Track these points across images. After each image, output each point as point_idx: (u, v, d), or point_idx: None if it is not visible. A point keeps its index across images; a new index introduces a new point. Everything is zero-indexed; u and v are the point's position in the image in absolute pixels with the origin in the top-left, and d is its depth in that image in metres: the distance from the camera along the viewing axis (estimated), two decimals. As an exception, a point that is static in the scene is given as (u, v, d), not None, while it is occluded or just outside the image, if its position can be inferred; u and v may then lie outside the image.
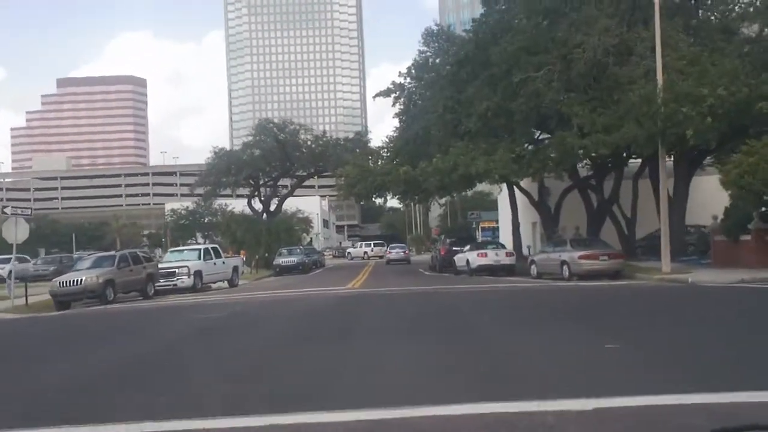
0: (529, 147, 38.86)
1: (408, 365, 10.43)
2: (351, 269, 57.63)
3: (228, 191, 73.15)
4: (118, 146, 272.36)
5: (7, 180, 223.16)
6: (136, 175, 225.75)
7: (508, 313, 18.57)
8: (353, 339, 13.83)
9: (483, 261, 38.82)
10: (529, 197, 47.38)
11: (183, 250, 42.84)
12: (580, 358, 10.50)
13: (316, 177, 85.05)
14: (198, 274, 37.45)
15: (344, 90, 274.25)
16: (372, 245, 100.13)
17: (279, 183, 74.37)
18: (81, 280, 31.40)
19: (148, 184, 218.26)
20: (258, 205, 71.62)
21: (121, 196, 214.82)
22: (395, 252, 71.20)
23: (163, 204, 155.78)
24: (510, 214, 52.48)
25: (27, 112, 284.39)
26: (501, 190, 52.37)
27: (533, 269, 35.09)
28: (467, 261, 39.65)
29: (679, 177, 37.18)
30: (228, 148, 79.91)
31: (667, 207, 31.13)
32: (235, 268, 41.84)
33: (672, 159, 36.40)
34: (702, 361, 9.94)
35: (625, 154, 39.75)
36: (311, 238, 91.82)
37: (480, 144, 36.99)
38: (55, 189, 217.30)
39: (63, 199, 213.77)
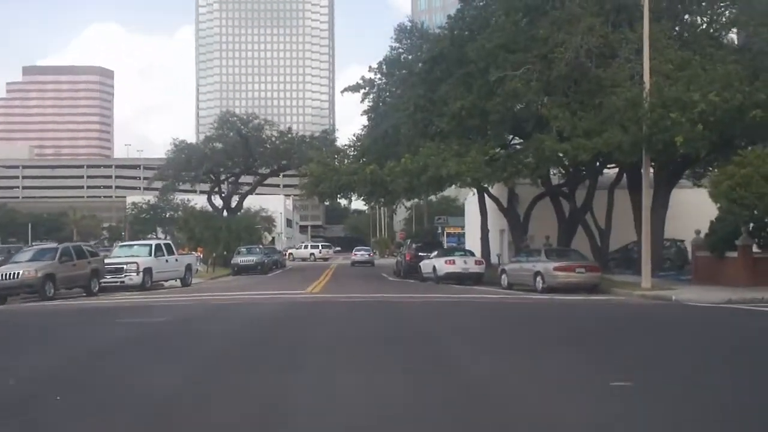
0: (503, 151, 36.85)
1: (366, 407, 8.20)
2: (312, 270, 55.55)
3: (188, 186, 70.53)
4: (83, 137, 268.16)
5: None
6: (98, 167, 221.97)
7: (486, 333, 16.26)
8: (302, 365, 11.36)
9: (450, 268, 36.76)
10: (498, 204, 45.55)
11: (133, 245, 40.30)
12: (584, 402, 8.33)
13: (280, 175, 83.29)
14: (148, 271, 35.06)
15: (313, 90, 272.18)
16: (320, 247, 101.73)
17: (240, 180, 71.80)
18: (18, 273, 29.09)
19: (110, 177, 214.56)
20: (219, 202, 68.98)
21: (82, 187, 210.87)
22: (360, 254, 75.45)
23: (125, 197, 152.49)
24: (477, 221, 50.83)
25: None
26: (473, 194, 49.97)
27: (504, 279, 33.08)
28: (434, 268, 37.58)
29: (659, 187, 35.46)
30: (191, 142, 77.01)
31: (649, 218, 29.25)
32: (189, 267, 39.43)
33: (653, 169, 34.60)
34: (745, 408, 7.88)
35: (598, 163, 38.07)
36: (273, 238, 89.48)
37: (452, 145, 34.94)
38: (16, 178, 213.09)
39: (24, 188, 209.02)
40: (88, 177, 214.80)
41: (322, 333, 15.98)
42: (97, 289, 32.05)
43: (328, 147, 60.67)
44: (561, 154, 32.31)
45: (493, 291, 30.75)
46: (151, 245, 38.11)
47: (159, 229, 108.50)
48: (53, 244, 36.10)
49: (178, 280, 38.43)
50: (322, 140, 65.69)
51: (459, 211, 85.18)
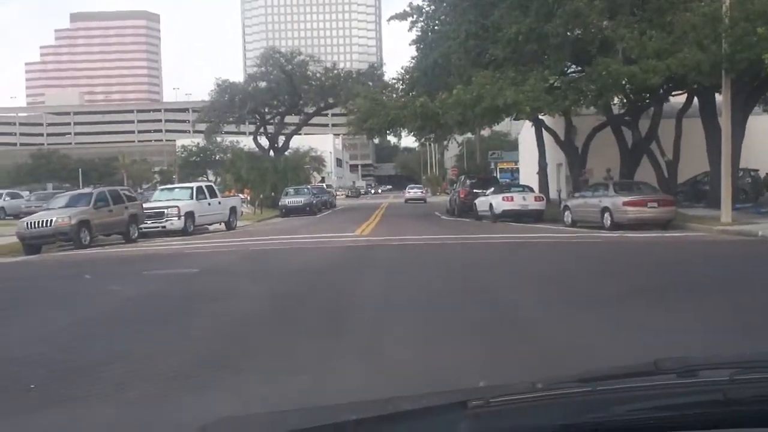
0: (563, 78, 34.07)
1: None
2: (363, 211, 53.54)
3: (232, 127, 68.55)
4: (132, 82, 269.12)
5: (20, 115, 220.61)
6: (148, 111, 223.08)
7: (563, 283, 13.60)
8: (347, 336, 8.90)
9: (509, 206, 34.40)
10: (555, 136, 42.92)
11: (174, 188, 38.52)
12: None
13: (329, 114, 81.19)
14: (189, 215, 33.27)
15: (359, 24, 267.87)
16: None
17: (286, 119, 69.54)
18: (51, 221, 27.33)
19: (160, 121, 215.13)
20: (265, 143, 66.98)
21: (133, 132, 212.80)
22: (413, 192, 79.00)
23: (174, 141, 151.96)
24: (532, 155, 48.45)
25: (41, 47, 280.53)
26: (531, 125, 46.98)
27: (567, 216, 30.71)
28: (490, 205, 35.24)
29: (734, 113, 32.59)
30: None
31: (730, 145, 26.63)
32: (233, 209, 37.56)
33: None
34: None
35: (663, 90, 35.20)
36: (323, 177, 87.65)
37: (508, 73, 32.42)
38: (68, 124, 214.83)
39: (76, 134, 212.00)
40: (139, 122, 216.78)
41: (371, 290, 13.32)
42: (136, 235, 30.40)
43: (375, 82, 58.25)
44: (627, 80, 29.55)
45: (556, 229, 28.42)
46: (192, 188, 36.22)
47: (209, 172, 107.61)
48: (88, 190, 34.35)
49: (223, 224, 36.68)
50: (368, 75, 62.93)
51: (511, 147, 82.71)
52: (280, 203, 51.76)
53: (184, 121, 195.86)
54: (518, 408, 2.02)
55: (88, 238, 27.89)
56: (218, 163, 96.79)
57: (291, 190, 53.10)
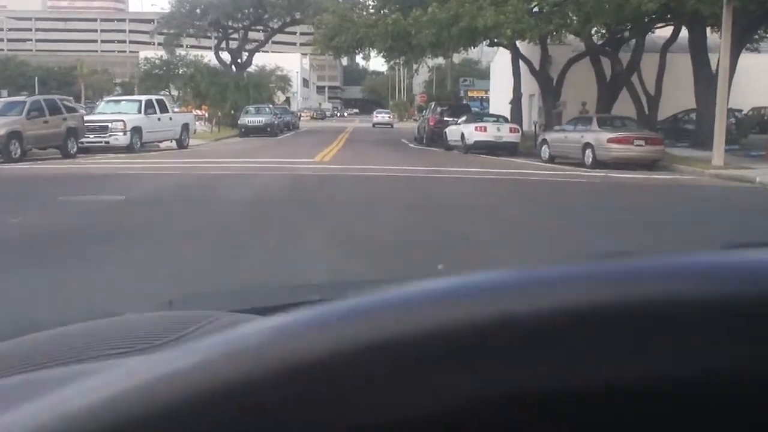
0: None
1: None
2: (326, 134, 51.00)
3: (194, 41, 64.97)
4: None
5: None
6: (112, 20, 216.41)
7: (552, 236, 10.93)
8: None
9: (482, 136, 31.96)
10: (530, 65, 40.69)
11: (120, 101, 35.40)
12: None
13: (297, 33, 78.03)
14: (136, 130, 30.56)
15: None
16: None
17: (250, 35, 66.06)
18: (-23, 130, 24.67)
19: (124, 31, 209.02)
20: (227, 57, 63.66)
21: (96, 41, 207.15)
22: (381, 116, 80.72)
23: (138, 52, 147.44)
24: (504, 85, 46.55)
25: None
26: (510, 51, 44.05)
27: (544, 151, 28.40)
28: (462, 135, 32.81)
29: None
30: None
31: (727, 82, 24.47)
32: (185, 126, 34.80)
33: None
34: None
35: (648, 19, 32.89)
36: (288, 98, 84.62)
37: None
38: (29, 30, 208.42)
39: (37, 41, 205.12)
40: (102, 31, 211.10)
41: (325, 232, 10.92)
42: (75, 150, 27.72)
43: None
44: (619, 4, 27.05)
45: (533, 165, 26.15)
46: (141, 101, 33.18)
47: (172, 86, 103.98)
48: (22, 98, 31.34)
49: (174, 141, 34.08)
50: None
51: (481, 75, 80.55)
52: (239, 122, 49.06)
53: (148, 33, 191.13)
54: None
55: (18, 151, 25.24)
56: (182, 77, 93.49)
57: (252, 109, 50.31)
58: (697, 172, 22.68)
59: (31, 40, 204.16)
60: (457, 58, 77.19)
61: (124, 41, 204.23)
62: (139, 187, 16.91)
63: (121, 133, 29.98)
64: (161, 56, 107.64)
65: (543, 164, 26.91)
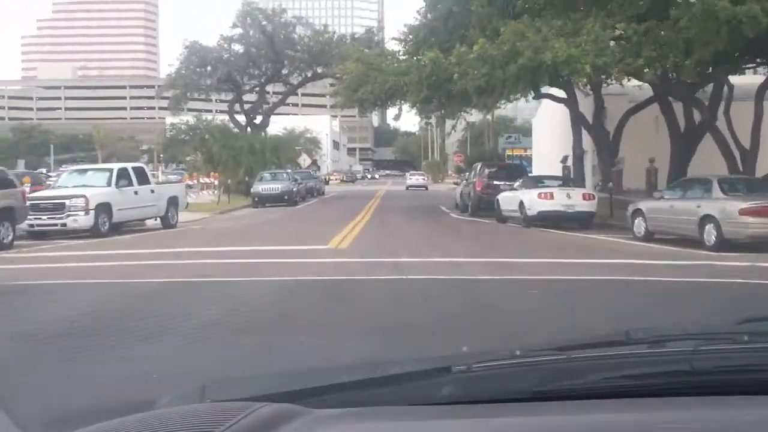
0: (635, 26, 24.13)
1: None
2: (354, 200, 44.46)
3: (202, 96, 58.23)
4: (128, 58, 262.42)
5: (9, 88, 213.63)
6: (141, 87, 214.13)
7: None
8: None
9: (548, 206, 24.69)
10: (582, 118, 34.52)
11: (87, 171, 28.08)
12: None
13: (327, 96, 72.19)
14: (103, 208, 23.72)
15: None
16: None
17: (267, 90, 59.46)
18: None
19: (153, 98, 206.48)
20: (242, 119, 57.17)
21: (125, 108, 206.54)
22: (415, 178, 77.27)
23: (165, 118, 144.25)
24: (549, 141, 43.62)
25: (38, 20, 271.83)
26: (563, 101, 36.77)
27: (638, 225, 21.11)
28: (521, 204, 25.58)
29: None
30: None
31: None
32: (173, 200, 27.82)
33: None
34: None
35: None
36: (314, 160, 78.36)
37: (552, 21, 22.94)
38: (59, 99, 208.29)
39: (67, 109, 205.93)
40: (131, 98, 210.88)
41: None
42: (11, 237, 20.80)
43: (373, 49, 48.38)
44: (739, 22, 19.93)
45: (631, 247, 18.92)
46: (111, 170, 26.07)
47: (198, 153, 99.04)
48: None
49: (158, 219, 27.23)
50: (365, 41, 51.74)
51: (518, 133, 74.25)
52: (252, 190, 42.56)
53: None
54: (498, 373, 2.06)
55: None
56: (191, 142, 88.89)
57: (267, 175, 43.64)
58: None
59: (60, 108, 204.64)
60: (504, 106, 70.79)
61: (153, 107, 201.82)
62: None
63: (82, 213, 23.15)
64: (186, 121, 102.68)
65: (641, 244, 19.66)
